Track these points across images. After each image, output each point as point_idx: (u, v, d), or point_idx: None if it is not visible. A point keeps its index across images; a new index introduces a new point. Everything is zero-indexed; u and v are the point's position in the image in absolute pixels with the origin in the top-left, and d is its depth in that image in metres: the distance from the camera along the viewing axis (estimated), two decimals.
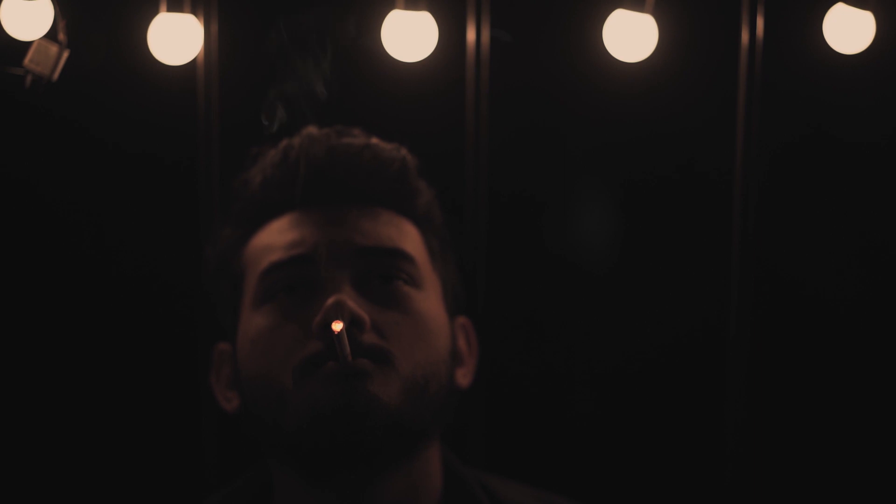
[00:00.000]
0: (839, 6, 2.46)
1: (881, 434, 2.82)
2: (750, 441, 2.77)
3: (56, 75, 2.40)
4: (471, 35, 2.62)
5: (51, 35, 2.39)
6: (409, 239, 1.12)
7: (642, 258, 2.82)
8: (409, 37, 2.41)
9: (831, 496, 2.81)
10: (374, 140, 1.15)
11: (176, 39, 2.40)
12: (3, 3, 2.37)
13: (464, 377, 1.14)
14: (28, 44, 2.38)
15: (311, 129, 1.15)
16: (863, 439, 2.82)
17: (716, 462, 2.77)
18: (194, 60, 2.50)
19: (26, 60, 2.39)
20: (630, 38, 2.42)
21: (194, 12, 2.45)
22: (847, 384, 2.81)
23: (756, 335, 2.75)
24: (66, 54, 2.40)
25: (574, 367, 2.83)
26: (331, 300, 1.03)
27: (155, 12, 2.39)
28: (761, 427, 2.79)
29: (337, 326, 1.01)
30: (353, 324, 1.03)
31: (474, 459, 2.64)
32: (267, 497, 1.13)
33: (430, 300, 1.10)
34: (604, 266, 2.83)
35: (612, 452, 2.82)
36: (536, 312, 2.81)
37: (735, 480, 2.75)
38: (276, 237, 1.10)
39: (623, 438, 2.83)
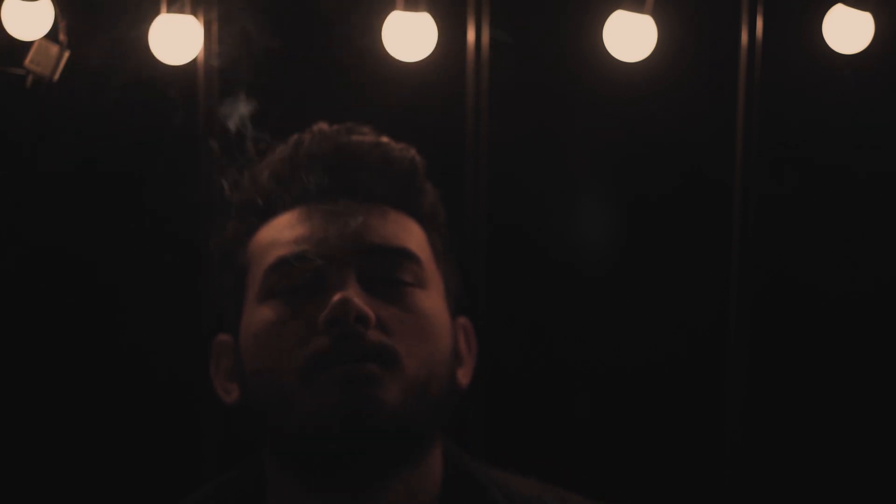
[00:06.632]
0: (838, 6, 2.46)
1: (881, 434, 2.82)
2: (750, 442, 2.77)
3: (56, 75, 2.40)
4: (471, 35, 2.62)
5: (51, 35, 2.39)
6: (415, 238, 1.12)
7: (642, 259, 2.82)
8: (409, 37, 2.42)
9: (832, 496, 2.81)
10: (384, 139, 1.14)
11: (176, 39, 2.40)
12: (4, 3, 2.37)
13: (463, 377, 1.14)
14: (29, 44, 2.39)
15: (322, 126, 1.14)
16: (863, 440, 2.82)
17: (715, 462, 2.77)
18: (194, 60, 2.49)
19: (27, 60, 2.39)
20: (630, 38, 2.42)
21: (194, 12, 2.45)
22: (848, 385, 2.81)
23: (756, 337, 2.75)
24: (66, 54, 2.40)
25: (575, 367, 2.83)
26: (337, 296, 1.03)
27: (155, 12, 2.39)
28: (761, 428, 2.79)
29: None
30: (358, 321, 1.03)
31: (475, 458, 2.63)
32: (261, 491, 1.13)
33: (433, 299, 1.10)
34: (604, 266, 2.83)
35: (613, 453, 2.82)
36: (537, 313, 2.81)
37: (735, 480, 2.75)
38: (283, 232, 1.10)
39: (623, 439, 2.83)
